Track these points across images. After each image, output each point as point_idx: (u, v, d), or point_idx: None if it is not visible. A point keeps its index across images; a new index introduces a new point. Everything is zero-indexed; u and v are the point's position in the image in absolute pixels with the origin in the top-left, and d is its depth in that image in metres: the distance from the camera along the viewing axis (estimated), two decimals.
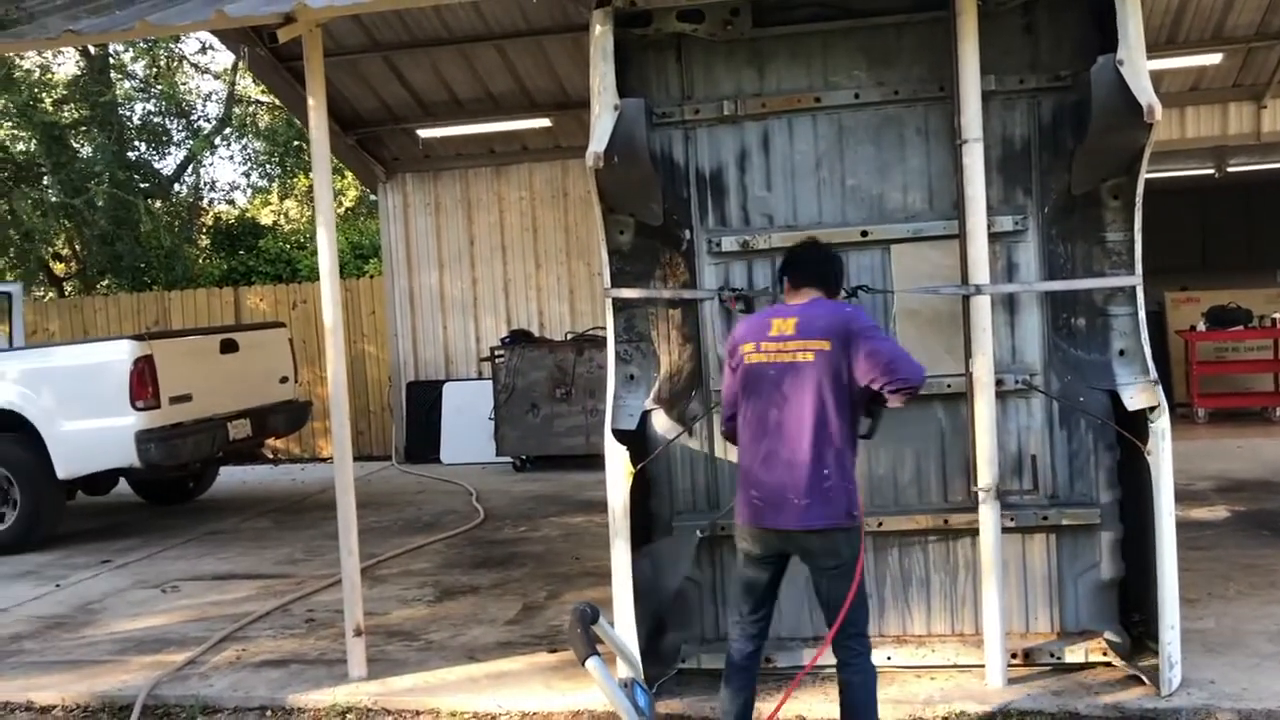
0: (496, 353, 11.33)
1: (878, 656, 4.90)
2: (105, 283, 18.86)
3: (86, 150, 18.05)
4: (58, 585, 7.67)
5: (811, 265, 4.24)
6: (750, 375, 4.05)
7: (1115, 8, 4.44)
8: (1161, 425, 4.49)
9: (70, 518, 9.47)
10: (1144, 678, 4.61)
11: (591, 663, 2.71)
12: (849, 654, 3.98)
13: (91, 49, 18.03)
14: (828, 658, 4.95)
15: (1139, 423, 4.64)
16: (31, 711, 5.35)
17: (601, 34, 4.78)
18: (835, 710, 4.58)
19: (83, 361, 8.87)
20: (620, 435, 4.86)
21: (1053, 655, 4.86)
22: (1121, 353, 4.87)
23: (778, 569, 4.10)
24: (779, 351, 3.99)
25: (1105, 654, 4.81)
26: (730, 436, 4.29)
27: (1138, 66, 4.32)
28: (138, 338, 8.75)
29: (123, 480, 9.91)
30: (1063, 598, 4.98)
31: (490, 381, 11.41)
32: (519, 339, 11.52)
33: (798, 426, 3.91)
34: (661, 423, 5.11)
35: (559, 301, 12.39)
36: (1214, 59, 10.45)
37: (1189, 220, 13.86)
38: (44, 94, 17.86)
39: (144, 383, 8.48)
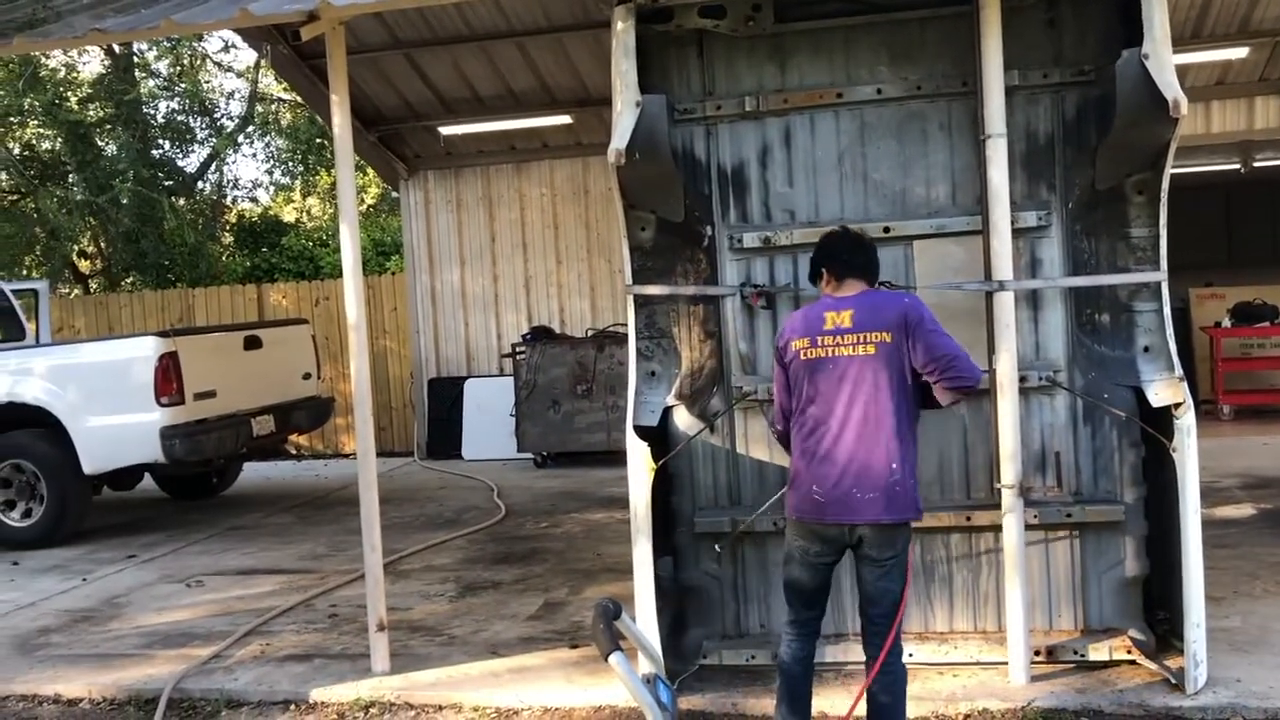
0: (518, 349, 11.36)
1: None
2: (130, 280, 19.00)
3: (111, 149, 18.19)
4: (84, 579, 7.74)
5: (853, 255, 4.11)
6: (807, 370, 3.97)
7: (1140, 1, 4.41)
8: (1187, 422, 4.46)
9: (96, 513, 9.55)
10: (1169, 676, 4.58)
11: (615, 658, 2.72)
12: (879, 647, 3.93)
13: (116, 47, 18.15)
14: (845, 654, 4.94)
15: (1164, 419, 4.61)
16: (59, 704, 5.41)
17: (623, 30, 4.78)
18: (859, 706, 4.59)
19: (108, 358, 8.94)
20: (642, 431, 4.86)
21: (1076, 653, 4.83)
22: (1146, 349, 4.84)
23: (832, 566, 4.04)
24: (837, 345, 3.91)
25: (1129, 652, 4.78)
26: (783, 438, 4.20)
27: (1163, 60, 4.29)
28: (162, 334, 8.82)
29: (147, 476, 9.98)
30: (1086, 595, 4.95)
31: (511, 378, 11.44)
32: (540, 336, 11.54)
33: (861, 421, 3.85)
34: (683, 419, 5.11)
35: (580, 298, 12.41)
36: (1240, 53, 10.35)
37: (1214, 216, 13.75)
38: (69, 93, 18.01)
39: (169, 379, 8.55)
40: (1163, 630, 4.89)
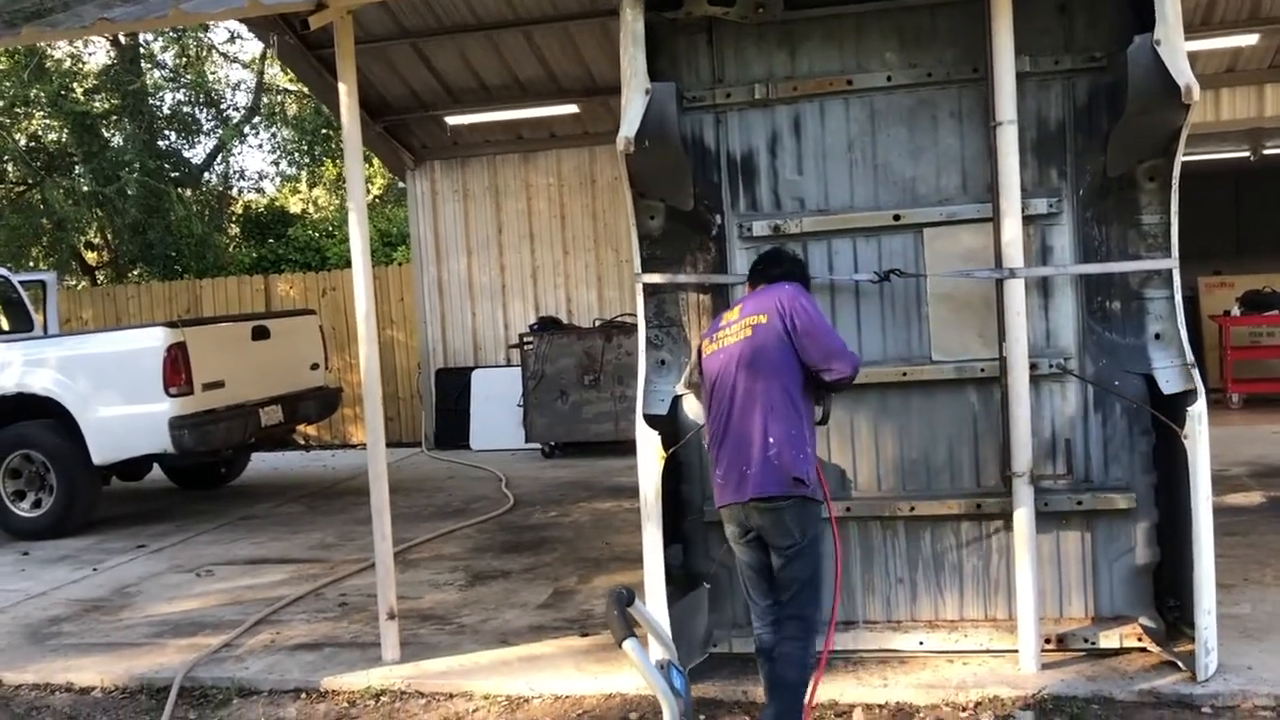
0: (525, 339, 11.37)
1: (909, 641, 4.94)
2: (137, 271, 19.04)
3: (117, 140, 18.20)
4: (95, 569, 7.77)
5: (770, 266, 4.40)
6: (707, 368, 4.22)
7: None
8: (1198, 409, 4.45)
9: (105, 503, 9.58)
10: (1179, 663, 4.58)
11: (629, 644, 2.71)
12: (786, 631, 4.04)
13: (122, 38, 18.16)
14: (854, 642, 4.96)
15: (1175, 407, 4.60)
16: (71, 692, 5.43)
17: (632, 18, 4.76)
18: (870, 694, 4.60)
19: (117, 349, 8.95)
20: (651, 420, 4.86)
21: (1087, 640, 4.83)
22: (1157, 336, 4.83)
23: (760, 548, 4.13)
24: (725, 337, 4.17)
25: (1140, 639, 4.78)
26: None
27: (1175, 46, 4.27)
28: (171, 325, 8.82)
29: (156, 466, 10.00)
30: (1097, 583, 4.95)
31: (519, 368, 11.45)
32: (547, 326, 11.55)
33: (743, 399, 4.04)
34: (693, 408, 5.09)
35: (587, 288, 12.40)
36: (1250, 40, 10.30)
37: (1223, 204, 13.69)
38: (75, 84, 18.02)
39: (177, 369, 8.56)
40: (1173, 618, 4.88)
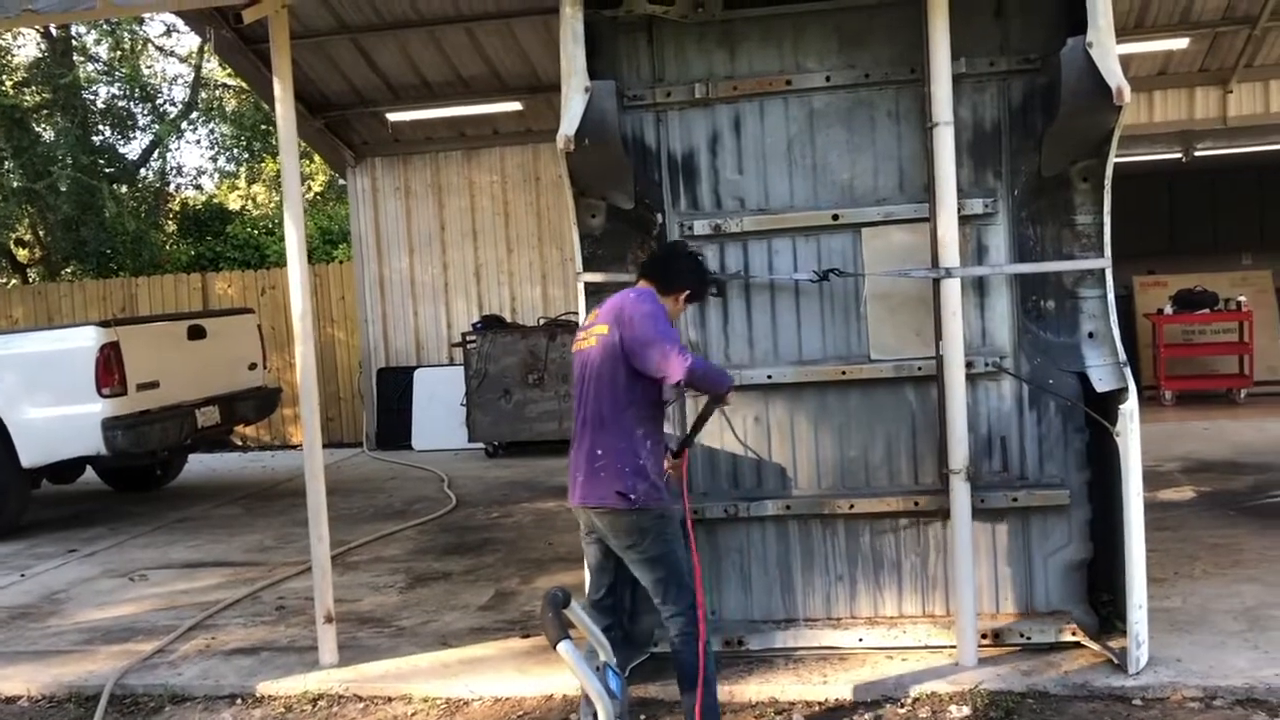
0: (468, 338, 11.28)
1: (849, 638, 4.97)
2: (70, 269, 18.61)
3: (49, 134, 17.78)
4: (22, 575, 7.57)
5: (651, 260, 4.44)
6: (574, 365, 4.27)
7: None
8: (1130, 407, 4.52)
9: (35, 507, 9.35)
10: (1112, 657, 4.65)
11: (563, 646, 2.70)
12: (671, 630, 4.11)
13: (53, 30, 17.74)
14: (795, 640, 4.99)
15: (1108, 405, 4.67)
16: None
17: (572, 16, 4.73)
18: (809, 691, 4.63)
19: (48, 348, 8.74)
20: None
21: (1022, 635, 4.89)
22: (1091, 335, 4.90)
23: (600, 549, 4.22)
24: (583, 339, 4.21)
25: (1074, 634, 4.85)
26: None
27: (1107, 48, 4.33)
28: (103, 324, 8.63)
29: (89, 468, 9.78)
30: (1032, 578, 5.02)
31: (462, 367, 11.36)
32: (491, 324, 11.48)
33: (582, 408, 4.12)
34: None
35: (531, 286, 12.34)
36: (1181, 43, 10.52)
37: (1156, 205, 13.98)
38: (4, 77, 17.57)
39: (110, 370, 8.38)
40: (1106, 612, 4.96)
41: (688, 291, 4.29)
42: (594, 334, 4.14)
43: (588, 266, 5.07)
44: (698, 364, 3.96)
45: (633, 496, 3.98)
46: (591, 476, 4.05)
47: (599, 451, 4.04)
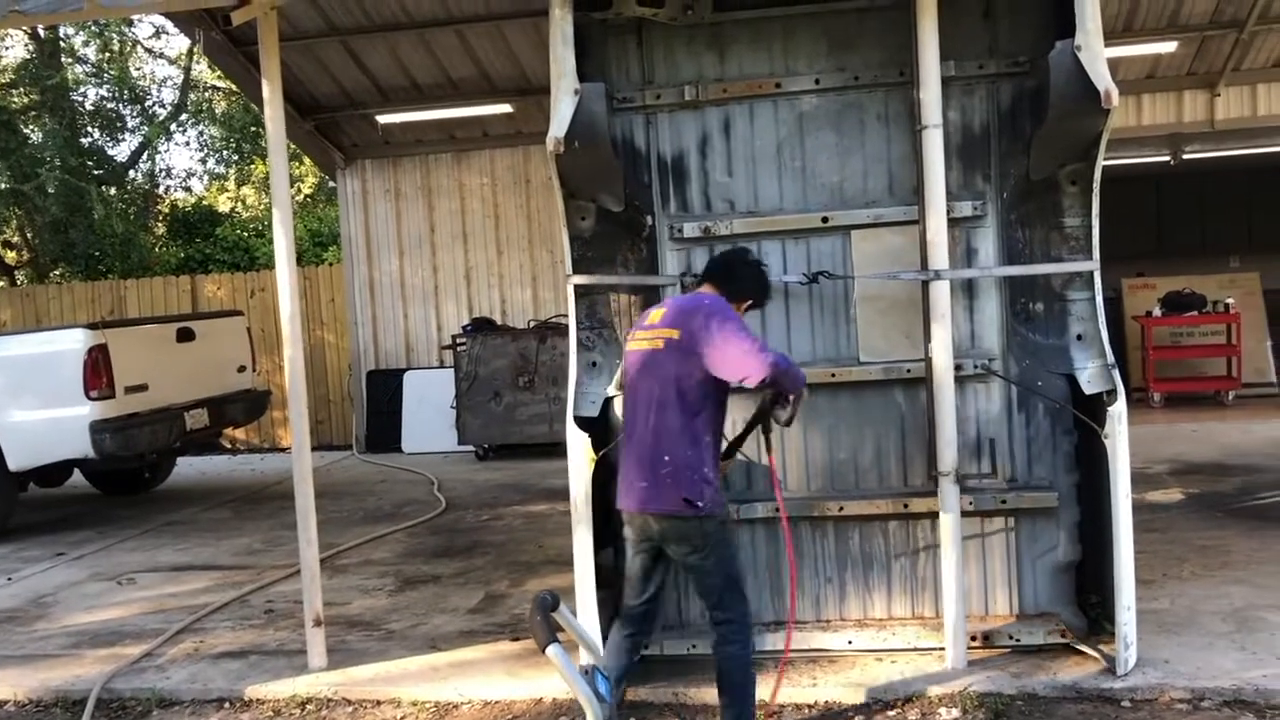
0: (458, 341, 11.27)
1: (839, 640, 4.97)
2: (58, 271, 18.53)
3: (37, 136, 17.70)
4: (9, 579, 7.53)
5: (713, 265, 4.41)
6: (627, 363, 4.20)
7: None
8: (1118, 409, 4.53)
9: (23, 510, 9.29)
10: (1101, 658, 4.67)
11: (552, 650, 2.70)
12: (721, 636, 4.07)
13: (41, 31, 17.67)
14: (784, 641, 4.99)
15: (1096, 407, 4.69)
16: None
17: (561, 18, 4.73)
18: (799, 694, 4.62)
19: (35, 351, 8.71)
20: (582, 422, 4.84)
21: (1011, 637, 4.90)
22: (1079, 337, 4.91)
23: (650, 556, 4.15)
24: (645, 339, 4.13)
25: (1063, 636, 4.86)
26: None
27: (1095, 52, 4.34)
28: (92, 326, 8.61)
29: (77, 471, 9.74)
30: (1021, 580, 5.03)
31: (452, 370, 11.34)
32: (481, 327, 11.46)
33: (645, 411, 4.03)
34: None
35: (521, 289, 12.34)
36: (1169, 47, 10.57)
37: (1145, 207, 14.05)
38: None
39: (98, 372, 8.35)
40: (1095, 614, 4.97)
41: (750, 301, 4.31)
42: (661, 336, 4.03)
43: (578, 269, 5.06)
44: (781, 360, 3.90)
45: (700, 504, 3.92)
46: (657, 483, 3.94)
47: (666, 458, 3.94)
